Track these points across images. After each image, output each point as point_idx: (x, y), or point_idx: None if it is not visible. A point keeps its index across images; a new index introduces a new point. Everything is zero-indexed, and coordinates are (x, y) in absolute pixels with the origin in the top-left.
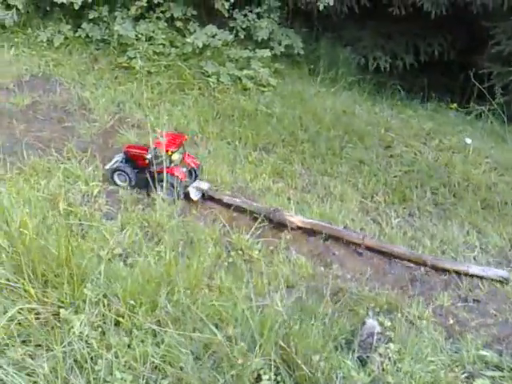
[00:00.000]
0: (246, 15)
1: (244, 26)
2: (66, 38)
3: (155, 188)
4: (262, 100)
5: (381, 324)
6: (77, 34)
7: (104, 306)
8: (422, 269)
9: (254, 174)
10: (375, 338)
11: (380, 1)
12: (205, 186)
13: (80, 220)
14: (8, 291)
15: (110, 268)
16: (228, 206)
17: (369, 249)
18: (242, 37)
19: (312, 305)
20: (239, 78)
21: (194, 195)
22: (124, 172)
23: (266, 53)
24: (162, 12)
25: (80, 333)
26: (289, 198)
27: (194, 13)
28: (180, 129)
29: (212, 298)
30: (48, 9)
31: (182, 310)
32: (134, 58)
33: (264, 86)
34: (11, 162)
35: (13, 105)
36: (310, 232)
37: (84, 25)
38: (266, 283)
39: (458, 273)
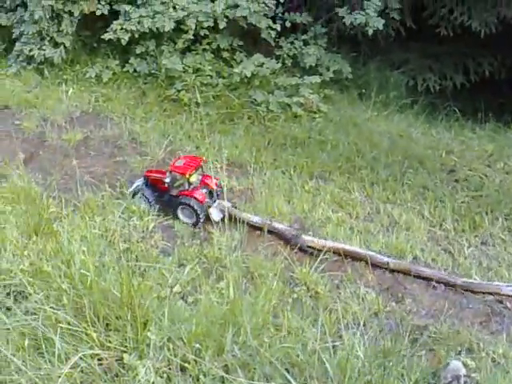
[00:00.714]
0: (292, 43)
1: (291, 54)
2: (114, 74)
3: (175, 211)
4: (314, 127)
5: (464, 365)
6: (124, 69)
7: (169, 350)
8: (508, 303)
9: (312, 203)
10: (462, 380)
11: (425, 22)
12: (226, 205)
13: (137, 257)
14: (69, 336)
15: (172, 308)
16: (251, 226)
17: (394, 271)
18: (289, 64)
19: (389, 345)
20: (289, 106)
21: (216, 216)
22: (143, 195)
23: (316, 79)
24: (208, 44)
25: (146, 380)
26: (351, 228)
27: (240, 43)
28: (233, 159)
29: (280, 339)
30: (95, 45)
31: (250, 353)
32: (182, 90)
33: (315, 113)
34: (66, 199)
35: (65, 141)
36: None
37: (131, 60)
38: (336, 321)
39: (490, 294)
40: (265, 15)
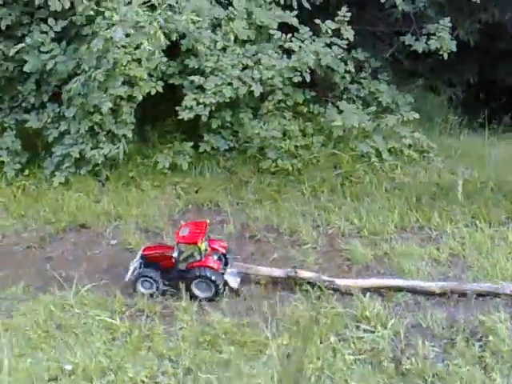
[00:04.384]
0: (359, 83)
1: (361, 95)
2: (190, 157)
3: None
4: (440, 167)
5: None
6: (200, 149)
7: None
8: None
9: None
10: None
11: None
12: (239, 267)
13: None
14: None
15: None
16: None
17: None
18: (359, 106)
19: None
20: (400, 151)
21: (233, 282)
22: (148, 277)
23: (412, 115)
24: (281, 101)
25: None
26: None
27: (313, 94)
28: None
29: None
30: (152, 129)
31: None
32: (278, 158)
33: (427, 152)
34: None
35: None
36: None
37: (206, 137)
38: None
39: None
40: (340, 59)
